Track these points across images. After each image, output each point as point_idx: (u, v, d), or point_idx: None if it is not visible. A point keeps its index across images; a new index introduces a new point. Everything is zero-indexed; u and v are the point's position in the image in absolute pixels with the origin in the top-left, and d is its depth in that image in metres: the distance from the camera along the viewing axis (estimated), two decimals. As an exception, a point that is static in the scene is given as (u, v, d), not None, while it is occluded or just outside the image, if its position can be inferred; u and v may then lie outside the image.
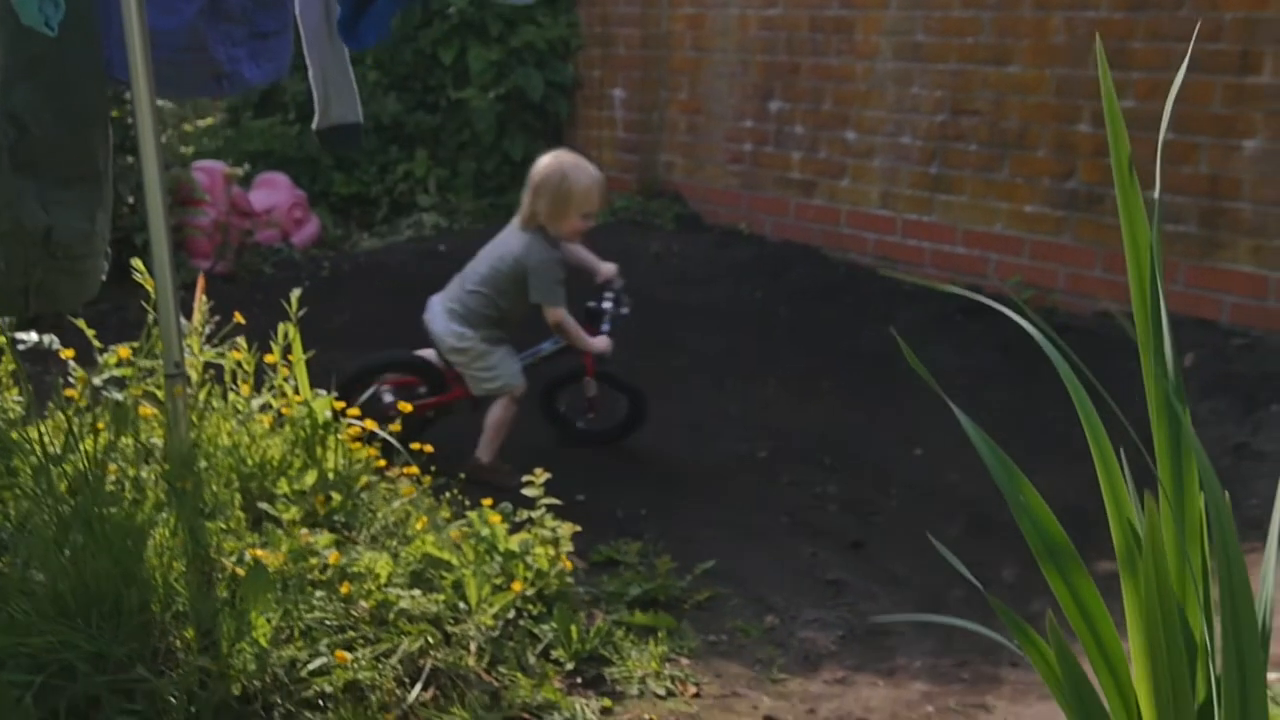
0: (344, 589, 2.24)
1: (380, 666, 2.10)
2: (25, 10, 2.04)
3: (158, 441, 2.55)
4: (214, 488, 2.39)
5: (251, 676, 1.94)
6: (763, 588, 3.29)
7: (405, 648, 2.17)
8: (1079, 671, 1.06)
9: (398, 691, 2.09)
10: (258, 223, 5.76)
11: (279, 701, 1.95)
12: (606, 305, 3.93)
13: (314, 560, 2.28)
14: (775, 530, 3.68)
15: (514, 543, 2.69)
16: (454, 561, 2.56)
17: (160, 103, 5.60)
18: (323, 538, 2.30)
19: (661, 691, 2.53)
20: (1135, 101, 4.56)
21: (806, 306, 5.59)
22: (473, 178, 6.86)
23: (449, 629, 2.38)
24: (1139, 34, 4.51)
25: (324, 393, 2.83)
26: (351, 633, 2.15)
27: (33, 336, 2.90)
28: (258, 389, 2.87)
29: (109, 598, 1.80)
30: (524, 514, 2.82)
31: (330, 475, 2.71)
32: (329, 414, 2.78)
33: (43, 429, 2.37)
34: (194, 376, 2.69)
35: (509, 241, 3.89)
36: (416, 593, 2.36)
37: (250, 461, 2.60)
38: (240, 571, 2.04)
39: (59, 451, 2.33)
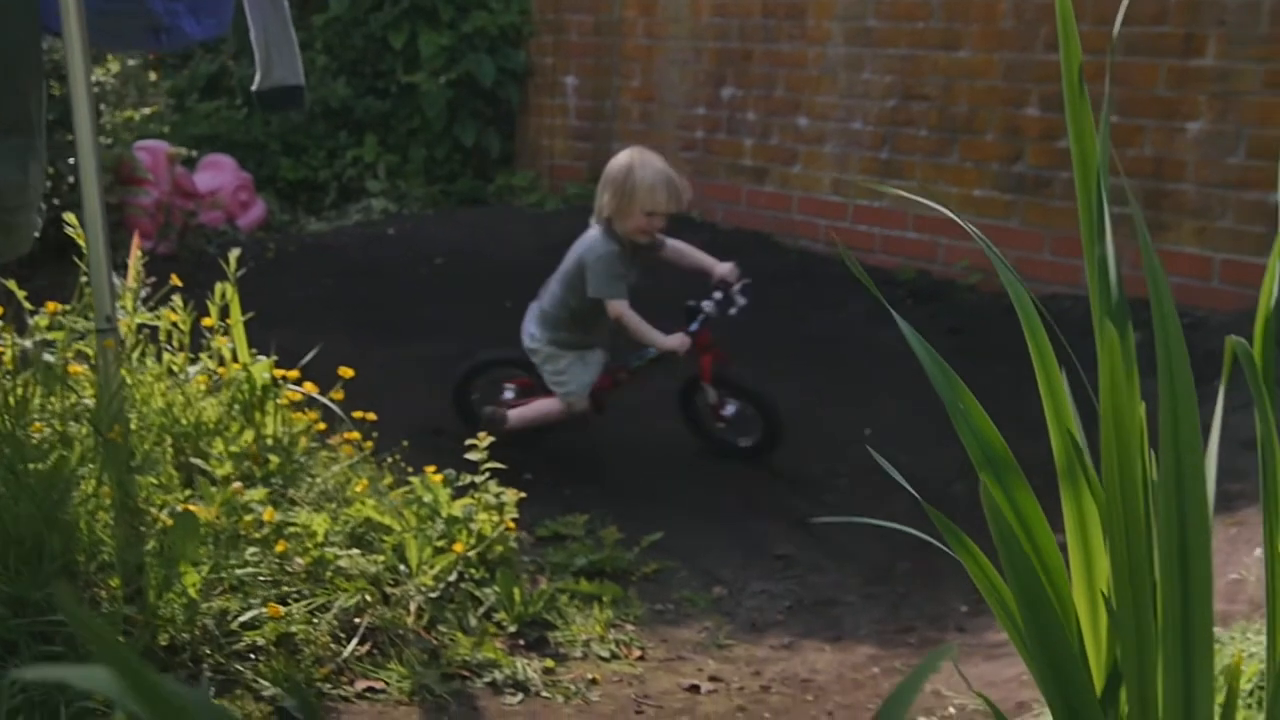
0: (279, 547, 2.19)
1: (315, 621, 2.05)
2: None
3: (89, 402, 2.48)
4: (146, 446, 2.32)
5: (180, 628, 1.88)
6: (711, 562, 3.27)
7: (341, 603, 2.11)
8: (1026, 563, 1.04)
9: (333, 646, 2.04)
10: (201, 204, 5.66)
11: (209, 653, 1.90)
12: (705, 304, 3.72)
13: (249, 517, 2.22)
14: (726, 508, 3.66)
15: (457, 508, 2.65)
16: (395, 526, 2.51)
17: (101, 78, 5.46)
18: (257, 492, 2.24)
19: (606, 654, 2.49)
20: (1082, 85, 4.59)
21: (758, 292, 5.57)
22: (423, 164, 6.80)
23: (388, 590, 2.33)
24: (1086, 18, 4.54)
25: (264, 358, 2.77)
26: (286, 588, 2.10)
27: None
28: (195, 354, 2.81)
29: (29, 542, 1.74)
30: (467, 478, 2.78)
31: (269, 440, 2.65)
32: (268, 378, 2.72)
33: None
34: (128, 335, 2.62)
35: (581, 238, 3.73)
36: (355, 552, 2.31)
37: (185, 422, 2.53)
38: (170, 523, 1.98)
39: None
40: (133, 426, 2.35)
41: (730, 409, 3.79)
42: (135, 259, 2.65)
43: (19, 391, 2.33)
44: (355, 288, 5.38)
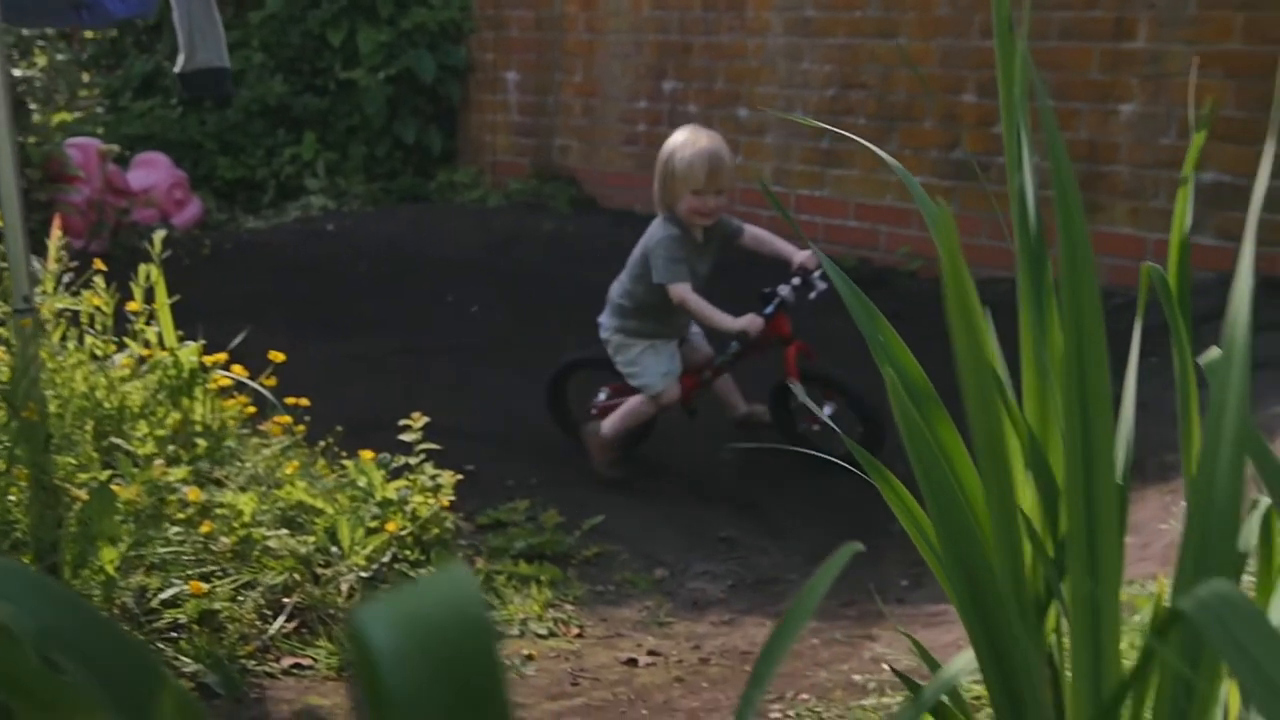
0: (205, 527, 2.13)
1: (240, 599, 2.00)
2: None
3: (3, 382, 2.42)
4: (65, 428, 2.26)
5: (97, 605, 1.82)
6: (654, 545, 3.24)
7: (268, 581, 2.07)
8: (944, 481, 1.02)
9: (259, 624, 1.99)
10: (135, 202, 5.56)
11: (128, 630, 1.84)
12: (781, 289, 3.58)
13: (173, 498, 2.17)
14: (669, 493, 3.64)
15: (391, 490, 2.60)
16: (328, 509, 2.46)
17: (27, 73, 5.33)
18: (180, 471, 2.19)
19: (543, 632, 2.46)
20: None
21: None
22: (363, 161, 6.73)
23: (319, 570, 2.29)
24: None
25: (191, 342, 2.71)
26: (211, 567, 2.05)
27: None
28: (120, 340, 2.74)
29: (-66, 517, 1.68)
30: (400, 460, 2.73)
31: (198, 425, 2.59)
32: (195, 362, 2.66)
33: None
34: (48, 318, 2.55)
35: (649, 228, 3.65)
36: (284, 532, 2.26)
37: (108, 405, 2.47)
38: (87, 498, 1.92)
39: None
40: (52, 409, 2.29)
41: (826, 409, 3.54)
42: (55, 239, 2.59)
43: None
44: (293, 284, 5.31)
